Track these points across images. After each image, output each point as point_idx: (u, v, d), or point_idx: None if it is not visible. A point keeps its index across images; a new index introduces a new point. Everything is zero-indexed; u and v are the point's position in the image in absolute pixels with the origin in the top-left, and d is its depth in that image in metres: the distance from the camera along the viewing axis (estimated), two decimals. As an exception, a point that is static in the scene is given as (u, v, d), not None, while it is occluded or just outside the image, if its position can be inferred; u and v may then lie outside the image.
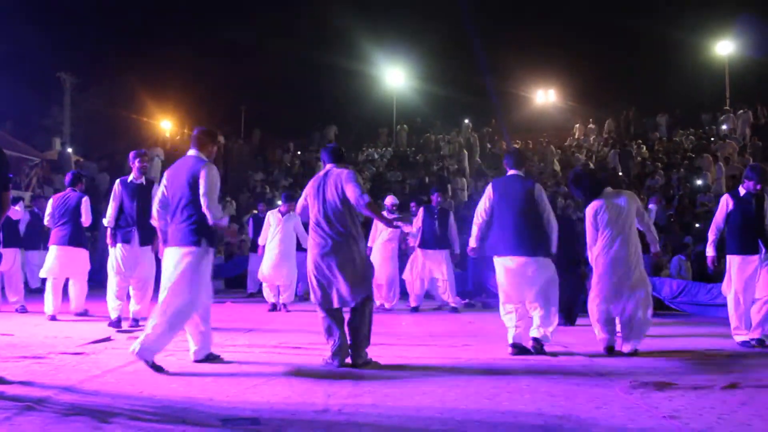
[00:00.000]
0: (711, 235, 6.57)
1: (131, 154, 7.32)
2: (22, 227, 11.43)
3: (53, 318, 7.85)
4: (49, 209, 8.31)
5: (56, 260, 8.08)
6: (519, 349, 5.50)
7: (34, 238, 11.76)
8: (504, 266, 5.59)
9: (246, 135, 29.77)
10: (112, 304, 7.06)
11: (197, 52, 31.57)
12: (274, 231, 9.44)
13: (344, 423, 3.25)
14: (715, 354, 5.73)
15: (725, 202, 6.47)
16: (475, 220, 5.86)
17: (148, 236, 6.97)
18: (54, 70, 29.60)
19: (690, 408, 3.58)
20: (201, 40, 32.61)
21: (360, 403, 3.65)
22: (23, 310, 8.65)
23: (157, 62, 30.84)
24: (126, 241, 7.03)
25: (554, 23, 32.41)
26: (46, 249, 11.79)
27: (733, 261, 6.36)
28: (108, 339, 6.06)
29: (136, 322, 7.06)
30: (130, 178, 7.18)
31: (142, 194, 7.10)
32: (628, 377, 4.41)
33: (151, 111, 30.32)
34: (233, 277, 14.37)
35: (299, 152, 26.88)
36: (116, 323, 6.96)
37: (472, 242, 5.91)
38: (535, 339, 5.50)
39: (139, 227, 7.01)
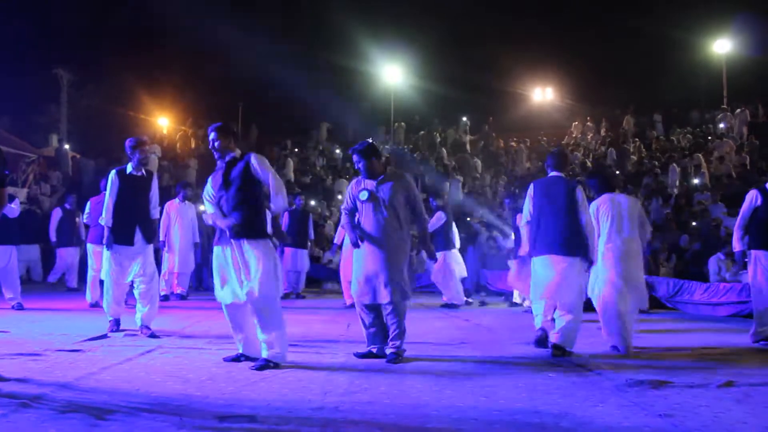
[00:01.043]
0: (738, 231, 6.40)
1: (129, 142, 6.39)
2: (54, 225, 11.87)
3: (94, 305, 8.85)
4: (87, 209, 9.55)
5: (93, 257, 9.18)
6: (544, 334, 5.62)
7: (67, 236, 11.99)
8: (542, 265, 5.58)
9: (243, 132, 29.70)
10: (111, 308, 6.35)
11: (194, 49, 31.48)
12: None
13: (341, 420, 3.26)
14: (711, 352, 5.74)
15: (753, 197, 6.31)
16: (522, 222, 5.93)
17: (151, 233, 6.45)
18: (51, 67, 29.54)
19: (686, 406, 3.59)
20: (198, 37, 32.52)
21: (356, 401, 3.66)
22: (19, 307, 8.63)
23: (155, 59, 30.79)
24: (127, 242, 6.25)
25: (552, 21, 32.43)
26: (76, 246, 11.96)
27: (758, 257, 6.22)
28: (104, 336, 6.06)
29: (148, 329, 6.23)
30: (129, 169, 6.38)
31: (142, 187, 6.41)
32: (624, 375, 4.42)
33: (148, 108, 30.27)
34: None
35: (296, 150, 26.86)
36: (115, 326, 6.33)
37: (526, 245, 5.87)
38: (554, 345, 5.36)
39: (140, 224, 6.32)
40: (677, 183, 17.84)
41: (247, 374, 4.36)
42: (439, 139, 25.93)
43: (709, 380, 4.26)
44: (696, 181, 17.65)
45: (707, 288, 9.57)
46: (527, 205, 5.80)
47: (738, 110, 21.43)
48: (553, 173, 5.80)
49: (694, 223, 14.09)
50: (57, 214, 12.08)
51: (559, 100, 30.56)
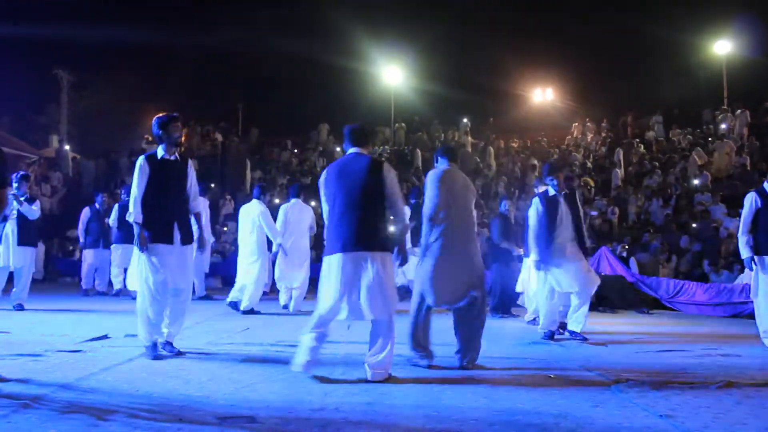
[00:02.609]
0: (743, 236, 6.21)
1: (159, 119, 5.21)
2: (82, 225, 11.63)
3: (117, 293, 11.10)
4: (114, 214, 10.83)
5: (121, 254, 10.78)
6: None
7: (94, 237, 11.65)
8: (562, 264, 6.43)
9: (243, 133, 29.74)
10: (147, 331, 5.09)
11: (195, 49, 31.51)
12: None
13: (341, 421, 3.26)
14: (711, 353, 5.74)
15: (752, 200, 6.16)
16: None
17: (189, 231, 5.28)
18: (51, 68, 29.57)
19: (686, 407, 3.59)
20: (198, 37, 32.55)
21: (356, 402, 3.66)
22: (19, 308, 8.63)
23: (155, 60, 30.81)
24: (166, 240, 5.08)
25: (552, 22, 32.43)
26: (106, 248, 11.60)
27: (762, 262, 6.09)
28: (105, 337, 6.05)
29: (171, 347, 5.22)
30: (160, 153, 5.21)
31: (178, 175, 5.26)
32: (624, 376, 4.42)
33: (148, 109, 30.24)
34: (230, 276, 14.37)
35: (296, 150, 26.85)
36: (153, 351, 5.10)
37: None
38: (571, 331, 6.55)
39: (179, 220, 5.19)
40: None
41: (248, 375, 4.36)
42: (437, 143, 25.88)
43: (709, 381, 4.26)
44: (696, 182, 17.64)
45: (707, 289, 9.60)
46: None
47: (738, 111, 21.40)
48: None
49: (694, 224, 14.09)
50: (85, 215, 11.67)
51: (560, 101, 30.56)
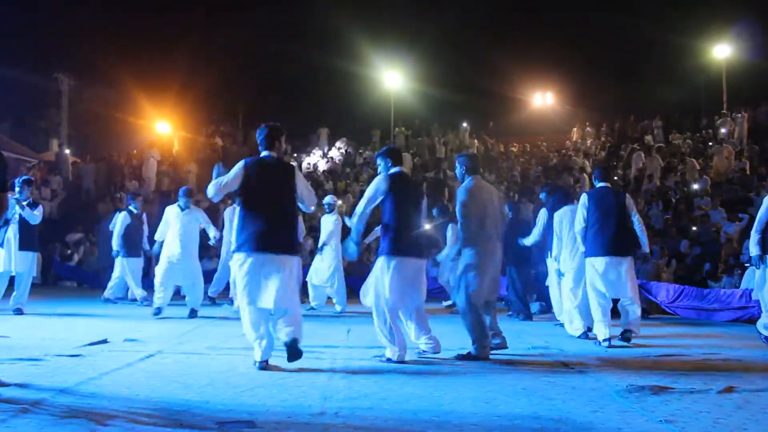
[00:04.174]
0: (756, 234, 6.44)
1: (273, 129, 5.13)
2: (120, 231, 10.59)
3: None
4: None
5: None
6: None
7: (134, 245, 10.77)
8: (603, 265, 6.37)
9: (244, 137, 29.75)
10: (259, 348, 4.88)
11: (195, 53, 31.60)
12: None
13: (341, 426, 3.25)
14: (711, 358, 5.74)
15: None
16: (576, 227, 6.69)
17: None
18: (52, 72, 29.62)
19: (686, 412, 3.59)
20: (199, 42, 32.63)
21: (356, 406, 3.65)
22: (18, 313, 8.62)
23: (155, 64, 30.89)
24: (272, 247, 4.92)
25: (552, 26, 32.52)
26: (141, 256, 10.95)
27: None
28: (104, 341, 6.05)
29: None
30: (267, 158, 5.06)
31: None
32: (624, 381, 4.42)
33: (148, 112, 30.30)
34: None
35: (295, 155, 26.87)
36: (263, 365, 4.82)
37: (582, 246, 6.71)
38: (628, 330, 6.39)
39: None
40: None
41: (247, 380, 4.36)
42: (438, 146, 25.85)
43: (709, 386, 4.26)
44: (696, 186, 17.65)
45: (707, 293, 9.58)
46: (581, 214, 6.59)
47: (738, 115, 21.41)
48: (601, 184, 6.69)
49: (694, 228, 14.08)
50: (125, 219, 10.63)
51: (559, 105, 30.62)
